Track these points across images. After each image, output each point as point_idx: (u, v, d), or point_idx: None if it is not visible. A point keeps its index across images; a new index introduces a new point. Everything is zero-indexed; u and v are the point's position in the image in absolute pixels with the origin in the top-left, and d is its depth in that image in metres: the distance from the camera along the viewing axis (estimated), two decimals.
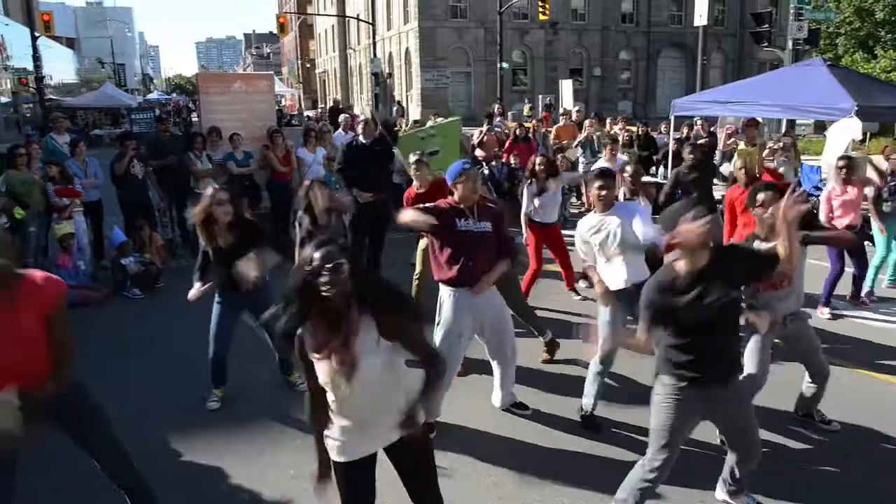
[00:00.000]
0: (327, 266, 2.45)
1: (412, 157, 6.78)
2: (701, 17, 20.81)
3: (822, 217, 6.85)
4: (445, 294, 4.53)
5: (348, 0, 51.26)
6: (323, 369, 2.57)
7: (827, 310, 6.94)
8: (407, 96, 41.24)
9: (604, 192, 4.71)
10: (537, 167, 6.93)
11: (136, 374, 5.76)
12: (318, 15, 58.65)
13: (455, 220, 4.35)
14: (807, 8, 13.91)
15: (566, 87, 24.76)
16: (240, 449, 4.54)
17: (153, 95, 54.40)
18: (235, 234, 4.73)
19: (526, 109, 24.77)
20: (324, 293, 2.46)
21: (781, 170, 9.41)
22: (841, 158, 7.08)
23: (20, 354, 2.85)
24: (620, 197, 6.04)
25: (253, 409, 5.07)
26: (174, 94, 69.69)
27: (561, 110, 17.13)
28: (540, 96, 29.78)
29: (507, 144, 12.33)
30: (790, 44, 13.94)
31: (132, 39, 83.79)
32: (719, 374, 3.29)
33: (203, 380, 5.16)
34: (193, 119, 26.68)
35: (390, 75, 42.16)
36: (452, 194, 4.46)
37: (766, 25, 15.78)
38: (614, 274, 4.67)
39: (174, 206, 10.05)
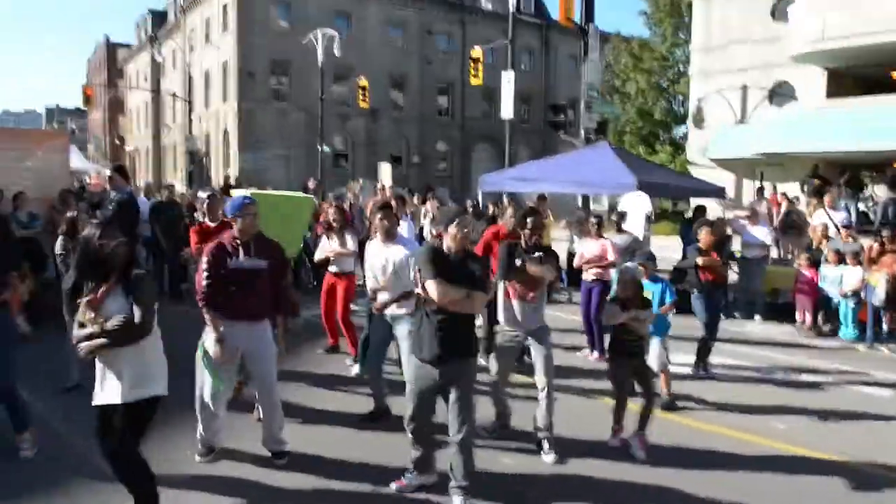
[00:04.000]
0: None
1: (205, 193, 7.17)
2: (507, 111, 22.47)
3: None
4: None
5: (164, 77, 49.82)
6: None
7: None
8: (224, 176, 40.18)
9: (386, 223, 5.44)
10: (332, 218, 7.41)
11: None
12: (132, 88, 56.28)
13: (226, 259, 4.58)
14: (596, 101, 15.60)
15: (384, 168, 25.41)
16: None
17: None
18: None
19: (356, 186, 24.91)
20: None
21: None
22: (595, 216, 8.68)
23: None
24: None
25: (46, 471, 4.69)
26: None
27: (378, 185, 17.63)
28: (361, 179, 30.28)
29: (321, 217, 12.39)
30: (583, 133, 15.48)
31: None
32: None
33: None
34: None
35: (206, 154, 41.05)
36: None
37: (563, 115, 17.46)
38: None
39: None
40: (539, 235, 5.34)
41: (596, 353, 8.21)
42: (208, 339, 4.75)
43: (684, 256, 10.21)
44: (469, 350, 4.32)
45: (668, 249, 13.56)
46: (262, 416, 5.00)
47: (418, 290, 4.23)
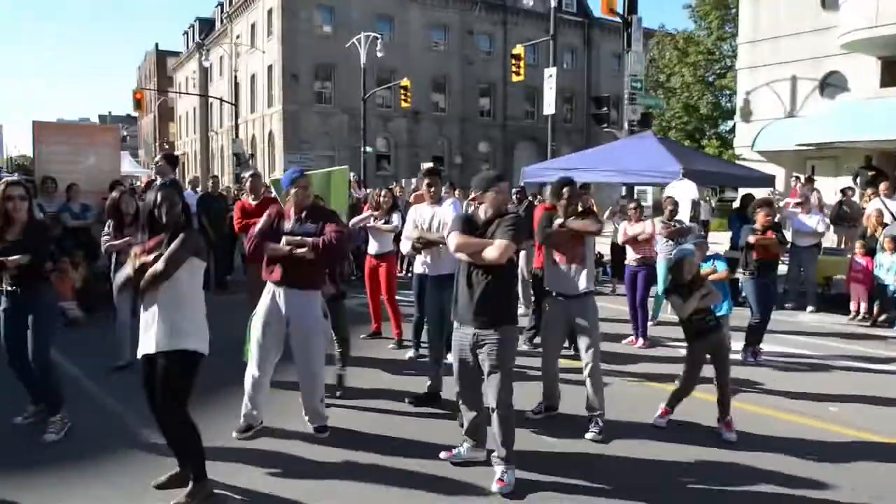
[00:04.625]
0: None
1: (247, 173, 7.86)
2: (549, 106, 22.32)
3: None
4: (267, 291, 4.91)
5: (211, 83, 50.91)
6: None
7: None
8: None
9: (432, 189, 5.73)
10: (382, 199, 7.48)
11: None
12: (180, 93, 57.64)
13: (280, 223, 4.84)
14: (640, 93, 15.35)
15: (427, 168, 25.52)
16: (80, 487, 4.15)
17: None
18: (24, 233, 4.69)
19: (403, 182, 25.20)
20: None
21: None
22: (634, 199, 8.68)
23: None
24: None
25: (95, 442, 4.76)
26: (16, 174, 65.02)
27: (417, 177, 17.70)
28: (403, 180, 30.45)
29: (365, 207, 12.52)
30: (626, 125, 15.25)
31: None
32: None
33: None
34: None
35: (252, 156, 41.77)
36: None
37: (605, 108, 17.27)
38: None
39: None
40: (577, 206, 5.27)
41: (641, 341, 8.06)
42: (259, 309, 4.94)
43: (732, 247, 10.02)
44: (501, 315, 4.16)
45: (716, 247, 13.26)
46: (301, 387, 5.01)
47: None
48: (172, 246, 3.68)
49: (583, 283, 5.13)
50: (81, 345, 7.22)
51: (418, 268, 6.27)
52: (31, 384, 4.93)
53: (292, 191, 4.83)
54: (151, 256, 3.68)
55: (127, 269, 3.77)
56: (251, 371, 4.90)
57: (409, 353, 7.32)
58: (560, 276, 5.20)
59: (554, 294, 5.27)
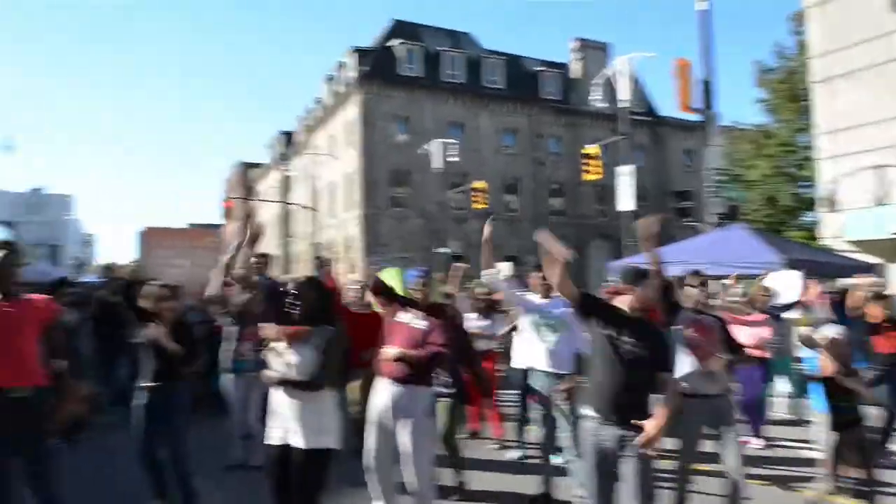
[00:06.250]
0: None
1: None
2: (626, 203, 22.31)
3: None
4: (375, 389, 4.79)
5: (292, 191, 53.30)
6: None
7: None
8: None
9: (546, 283, 5.62)
10: (478, 295, 7.58)
11: None
12: (263, 201, 60.37)
13: (398, 310, 4.86)
14: (722, 186, 15.19)
15: (504, 266, 25.65)
16: None
17: (85, 279, 53.43)
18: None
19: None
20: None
21: None
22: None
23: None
24: None
25: None
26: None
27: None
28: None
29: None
30: (715, 217, 14.98)
31: (70, 224, 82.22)
32: None
33: None
34: None
35: (331, 260, 42.92)
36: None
37: (689, 202, 17.19)
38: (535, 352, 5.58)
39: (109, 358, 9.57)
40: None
41: (756, 440, 7.59)
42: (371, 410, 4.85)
43: None
44: (649, 411, 3.79)
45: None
46: (409, 490, 4.76)
47: None
48: (323, 360, 3.82)
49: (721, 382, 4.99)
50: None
51: (520, 363, 6.14)
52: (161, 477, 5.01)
53: (414, 289, 4.96)
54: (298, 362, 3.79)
55: (275, 374, 3.88)
56: (370, 481, 4.78)
57: (514, 454, 7.10)
58: (700, 377, 4.99)
59: (690, 394, 4.91)
